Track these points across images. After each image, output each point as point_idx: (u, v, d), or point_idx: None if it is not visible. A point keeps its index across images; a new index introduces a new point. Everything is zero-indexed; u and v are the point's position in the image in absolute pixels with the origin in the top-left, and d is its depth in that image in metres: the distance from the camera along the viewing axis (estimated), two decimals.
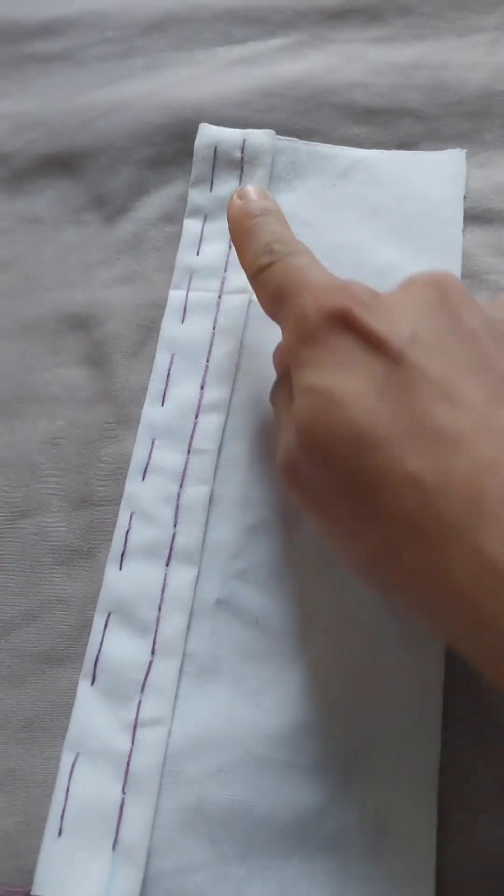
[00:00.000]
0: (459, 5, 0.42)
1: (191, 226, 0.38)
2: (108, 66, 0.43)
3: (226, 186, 0.38)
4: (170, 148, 0.40)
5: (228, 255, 0.36)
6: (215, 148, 0.38)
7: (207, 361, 0.34)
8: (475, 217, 0.37)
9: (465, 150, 0.39)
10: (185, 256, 0.37)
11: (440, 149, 0.39)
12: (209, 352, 0.34)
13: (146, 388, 0.34)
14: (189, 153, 0.39)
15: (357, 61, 0.41)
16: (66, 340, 0.36)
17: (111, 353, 0.35)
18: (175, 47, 0.43)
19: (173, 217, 0.38)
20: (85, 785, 0.27)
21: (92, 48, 0.44)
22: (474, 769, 0.27)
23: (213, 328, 0.35)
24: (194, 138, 0.39)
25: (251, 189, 0.31)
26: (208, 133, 0.39)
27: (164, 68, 0.43)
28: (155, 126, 0.40)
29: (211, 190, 0.38)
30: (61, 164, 0.40)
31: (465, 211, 0.37)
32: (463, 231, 0.37)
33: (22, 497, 0.32)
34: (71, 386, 0.35)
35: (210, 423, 0.33)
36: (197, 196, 0.38)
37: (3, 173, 0.40)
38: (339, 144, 0.39)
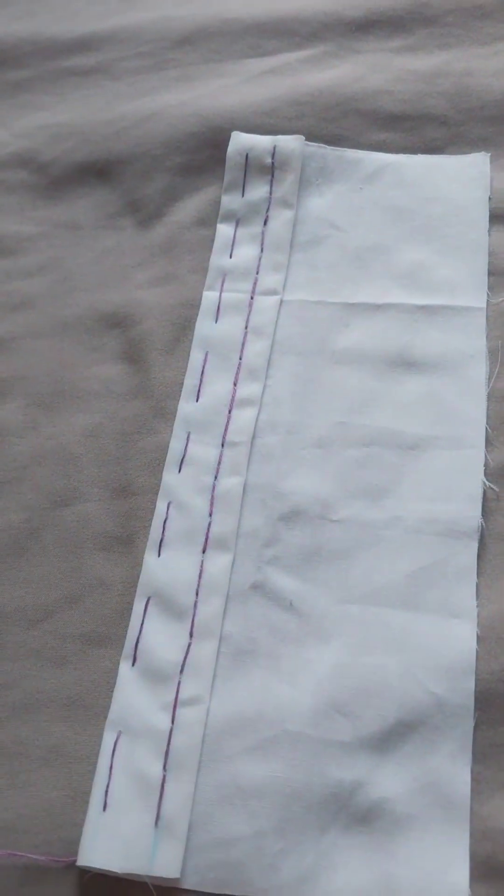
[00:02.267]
0: (481, 14, 0.43)
1: (224, 230, 0.39)
2: (142, 78, 0.45)
3: (257, 191, 0.39)
4: (201, 155, 0.41)
5: (260, 258, 0.38)
6: (247, 154, 0.40)
7: (240, 359, 0.35)
8: (501, 217, 0.38)
9: (489, 154, 0.40)
10: (218, 259, 0.38)
11: (465, 153, 0.40)
12: (241, 350, 0.36)
13: (181, 384, 0.35)
14: (220, 160, 0.41)
15: (382, 70, 0.43)
16: (104, 339, 0.37)
17: (147, 351, 0.36)
18: (206, 59, 0.45)
19: (206, 221, 0.40)
20: (127, 762, 0.28)
21: (126, 62, 0.46)
22: (503, 750, 0.28)
23: (246, 327, 0.36)
24: (225, 146, 0.41)
25: None
26: (240, 140, 0.40)
27: (195, 80, 0.44)
28: (187, 134, 0.42)
29: (243, 195, 0.39)
30: (97, 171, 0.42)
31: (490, 212, 0.38)
32: (489, 231, 0.38)
33: (63, 487, 0.33)
34: (108, 381, 0.36)
35: (243, 417, 0.34)
36: (229, 201, 0.39)
37: (42, 181, 0.42)
38: (365, 150, 0.41)
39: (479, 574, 0.30)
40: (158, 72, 0.45)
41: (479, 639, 0.29)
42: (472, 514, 0.31)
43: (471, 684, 0.28)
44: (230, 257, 0.38)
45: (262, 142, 0.40)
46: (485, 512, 0.31)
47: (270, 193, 0.39)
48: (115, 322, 0.38)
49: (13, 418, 0.35)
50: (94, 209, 0.41)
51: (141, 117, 0.43)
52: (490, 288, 0.36)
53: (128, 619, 0.30)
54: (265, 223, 0.39)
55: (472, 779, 0.27)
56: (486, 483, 0.32)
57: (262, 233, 0.38)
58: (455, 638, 0.29)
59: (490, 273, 0.37)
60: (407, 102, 0.42)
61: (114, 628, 0.31)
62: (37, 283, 0.39)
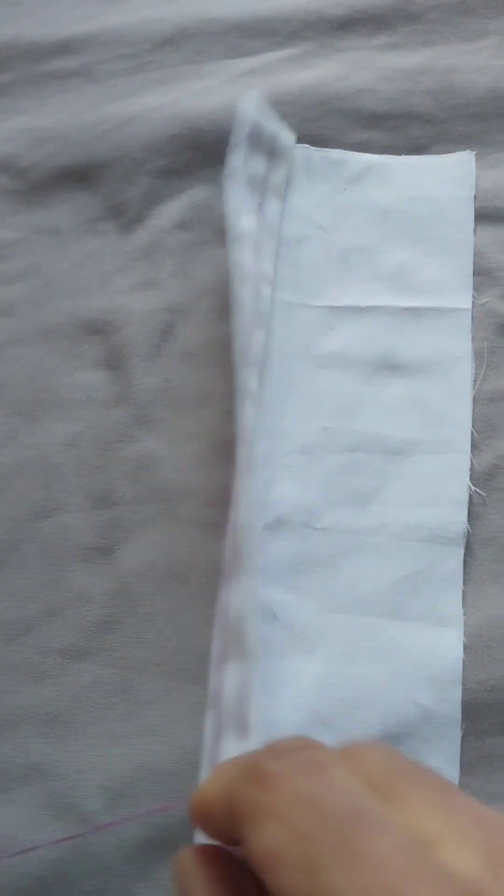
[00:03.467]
0: (465, 11, 0.43)
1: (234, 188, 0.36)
2: (122, 80, 0.44)
3: (256, 167, 0.37)
4: (182, 157, 0.41)
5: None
6: (252, 126, 0.37)
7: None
8: (486, 216, 0.38)
9: (474, 152, 0.39)
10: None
11: (450, 151, 0.40)
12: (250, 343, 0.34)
13: (162, 390, 0.35)
14: (201, 162, 0.40)
15: (365, 68, 0.42)
16: (85, 345, 0.37)
17: (128, 357, 0.36)
18: (187, 61, 0.44)
19: (187, 224, 0.39)
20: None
21: (106, 64, 0.45)
22: (494, 757, 0.27)
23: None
24: (206, 148, 0.40)
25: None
26: (251, 109, 0.37)
27: (176, 81, 0.44)
28: (168, 137, 0.41)
29: (245, 163, 0.37)
30: (78, 175, 0.41)
31: (476, 210, 0.38)
32: (474, 230, 0.37)
33: (43, 497, 0.33)
34: (89, 389, 0.35)
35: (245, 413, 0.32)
36: (236, 160, 0.36)
37: (22, 186, 0.41)
38: (349, 149, 0.40)
39: (465, 581, 0.30)
40: (139, 74, 0.44)
41: (466, 647, 0.29)
42: (457, 519, 0.31)
43: (458, 694, 0.28)
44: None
45: (269, 122, 0.38)
46: (471, 517, 0.31)
47: (266, 176, 0.38)
48: (95, 328, 0.37)
49: None
50: (75, 214, 0.41)
51: (122, 120, 0.42)
52: (475, 288, 0.36)
53: (108, 631, 0.30)
54: (260, 206, 0.37)
55: (462, 790, 0.27)
56: (472, 488, 0.31)
57: (260, 212, 0.37)
58: (442, 647, 0.29)
59: (476, 273, 0.36)
60: (390, 101, 0.41)
61: (94, 642, 0.30)
62: (17, 289, 0.38)
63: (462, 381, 0.34)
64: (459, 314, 0.35)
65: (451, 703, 0.28)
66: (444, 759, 0.27)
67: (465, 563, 0.30)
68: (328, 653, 0.29)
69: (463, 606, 0.29)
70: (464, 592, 0.30)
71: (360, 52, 0.43)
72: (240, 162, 0.36)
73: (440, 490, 0.31)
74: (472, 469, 0.32)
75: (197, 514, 0.32)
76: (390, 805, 0.17)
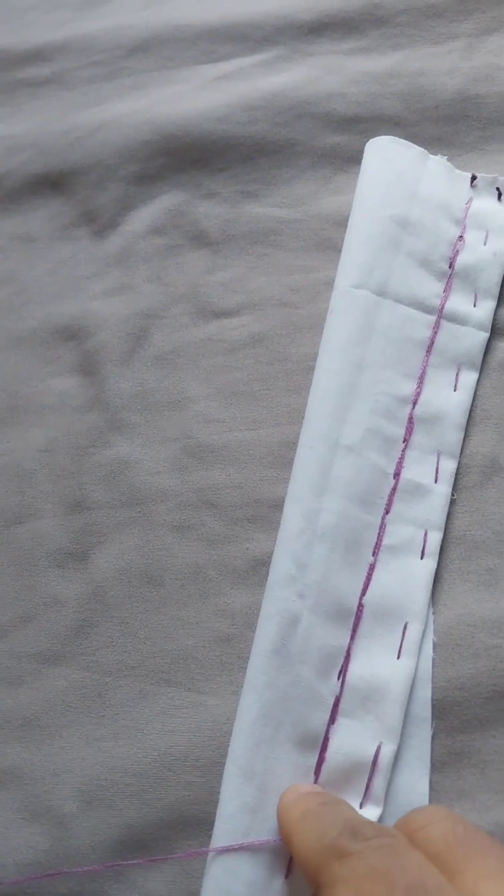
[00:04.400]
0: (433, 14, 0.43)
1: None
2: (96, 87, 0.44)
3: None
4: (155, 163, 0.41)
5: None
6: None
7: None
8: None
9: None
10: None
11: None
12: None
13: (136, 394, 0.35)
14: (174, 168, 0.41)
15: (335, 72, 0.42)
16: (59, 351, 0.37)
17: (102, 363, 0.36)
18: (160, 67, 0.45)
19: (160, 230, 0.39)
20: None
21: (79, 71, 0.45)
22: (464, 754, 0.27)
23: None
24: (178, 153, 0.41)
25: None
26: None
27: (149, 87, 0.44)
28: (140, 143, 0.41)
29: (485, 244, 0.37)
30: (51, 182, 0.42)
31: None
32: None
33: (17, 504, 0.33)
34: (63, 395, 0.36)
35: None
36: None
37: None
38: (320, 153, 0.40)
39: (435, 580, 0.30)
40: (112, 80, 0.44)
41: (436, 646, 0.29)
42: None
43: (428, 693, 0.28)
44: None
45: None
46: None
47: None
48: (69, 334, 0.37)
49: None
50: (49, 220, 0.41)
51: (95, 127, 0.42)
52: None
53: (83, 636, 0.30)
54: None
55: (431, 788, 0.27)
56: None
57: None
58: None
59: None
60: (360, 104, 0.41)
61: (68, 646, 0.30)
62: None
63: None
64: None
65: (421, 701, 0.28)
66: (415, 756, 0.27)
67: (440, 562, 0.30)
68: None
69: (434, 605, 0.30)
70: (435, 591, 0.30)
71: (330, 56, 0.43)
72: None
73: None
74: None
75: (171, 517, 0.32)
76: (451, 876, 0.20)
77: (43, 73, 0.46)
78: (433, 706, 0.28)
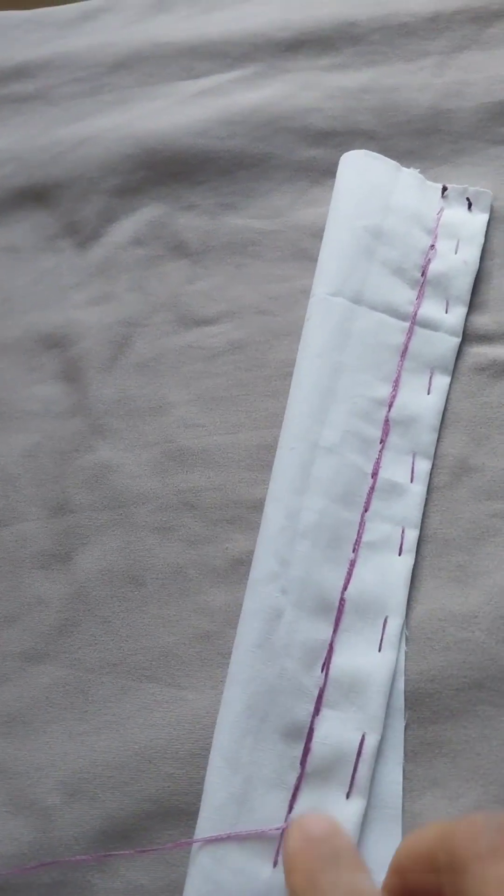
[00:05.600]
0: (406, 32, 0.45)
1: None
2: (78, 102, 0.46)
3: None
4: (136, 176, 0.42)
5: None
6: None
7: None
8: None
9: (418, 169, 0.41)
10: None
11: None
12: None
13: (118, 400, 0.36)
14: (155, 181, 0.42)
15: (312, 88, 0.44)
16: (42, 359, 0.38)
17: (85, 369, 0.37)
18: (141, 83, 0.46)
19: (142, 241, 0.41)
20: None
21: (62, 87, 0.46)
22: (436, 744, 0.28)
23: None
24: (159, 166, 0.42)
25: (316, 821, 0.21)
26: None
27: (130, 103, 0.45)
28: (122, 156, 0.43)
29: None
30: (35, 195, 0.43)
31: None
32: None
33: (2, 507, 0.34)
34: (47, 401, 0.37)
35: None
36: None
37: None
38: (297, 167, 0.42)
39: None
40: (94, 96, 0.46)
41: (409, 640, 0.30)
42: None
43: (400, 684, 0.29)
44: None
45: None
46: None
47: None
48: (53, 342, 0.38)
49: None
50: (33, 232, 0.42)
51: (77, 141, 0.44)
52: None
53: (66, 634, 0.31)
54: None
55: (405, 777, 0.28)
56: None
57: None
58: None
59: None
60: (336, 119, 0.43)
61: (52, 645, 0.31)
62: None
63: None
64: None
65: (393, 692, 0.29)
66: (388, 746, 0.28)
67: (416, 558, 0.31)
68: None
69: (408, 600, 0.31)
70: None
71: (306, 72, 0.44)
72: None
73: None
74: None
75: (152, 519, 0.33)
76: None
77: (27, 90, 0.47)
78: (406, 698, 0.29)
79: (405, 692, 0.29)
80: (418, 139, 0.42)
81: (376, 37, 0.45)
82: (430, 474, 0.33)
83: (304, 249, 0.39)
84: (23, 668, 0.31)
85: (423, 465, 0.33)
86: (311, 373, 0.34)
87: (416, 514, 0.32)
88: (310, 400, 0.33)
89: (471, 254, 0.38)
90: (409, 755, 0.28)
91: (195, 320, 0.38)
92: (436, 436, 0.34)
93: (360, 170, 0.39)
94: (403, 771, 0.28)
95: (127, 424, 0.36)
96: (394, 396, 0.34)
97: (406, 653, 0.30)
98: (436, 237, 0.38)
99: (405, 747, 0.28)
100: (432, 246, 0.38)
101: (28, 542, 0.33)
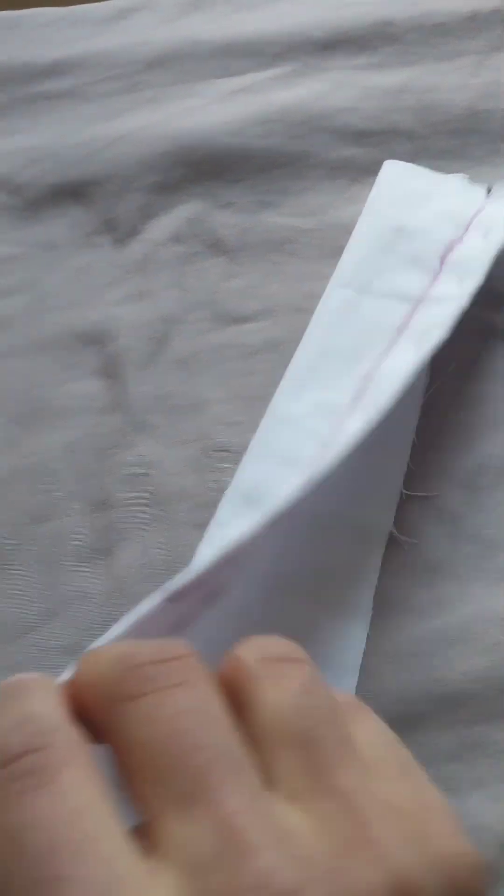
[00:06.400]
0: (443, 32, 0.45)
1: None
2: (113, 100, 0.46)
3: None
4: (174, 174, 0.42)
5: None
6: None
7: None
8: None
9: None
10: None
11: (431, 166, 0.41)
12: None
13: (157, 397, 0.36)
14: (192, 178, 0.42)
15: (348, 87, 0.44)
16: (80, 356, 0.38)
17: (124, 366, 0.37)
18: (176, 81, 0.46)
19: (180, 238, 0.41)
20: None
21: (98, 85, 0.46)
22: (479, 745, 0.28)
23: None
24: (197, 164, 0.42)
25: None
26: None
27: (166, 101, 0.45)
28: (159, 154, 0.43)
29: None
30: (72, 192, 0.43)
31: None
32: None
33: (43, 502, 0.34)
34: (86, 397, 0.37)
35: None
36: None
37: (16, 203, 0.43)
38: (333, 166, 0.42)
39: (452, 577, 0.31)
40: (130, 94, 0.46)
41: (453, 640, 0.30)
42: (384, 518, 0.32)
43: (354, 681, 0.29)
44: None
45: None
46: (455, 515, 0.32)
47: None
48: (91, 339, 0.38)
49: None
50: (70, 229, 0.42)
51: (113, 138, 0.44)
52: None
53: (107, 629, 0.31)
54: None
55: (450, 777, 0.28)
56: (404, 491, 0.33)
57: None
58: (347, 636, 0.30)
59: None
60: (373, 118, 0.43)
61: (94, 639, 0.31)
62: (13, 302, 0.40)
63: (415, 389, 0.34)
64: None
65: (346, 689, 0.29)
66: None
67: (452, 559, 0.31)
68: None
69: (448, 601, 0.30)
70: (450, 588, 0.31)
71: (343, 71, 0.44)
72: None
73: (373, 488, 0.32)
74: (407, 473, 0.33)
75: (191, 515, 0.33)
76: None
77: (62, 87, 0.47)
78: (450, 699, 0.29)
79: (449, 693, 0.29)
80: (456, 139, 0.42)
81: (413, 36, 0.45)
82: (473, 475, 0.33)
83: (341, 248, 0.39)
84: (65, 662, 0.31)
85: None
86: (296, 357, 0.34)
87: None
88: (287, 384, 0.34)
89: (497, 234, 0.36)
90: (452, 756, 0.28)
91: (232, 318, 0.38)
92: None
93: (400, 176, 0.39)
94: (447, 771, 0.28)
95: (166, 421, 0.36)
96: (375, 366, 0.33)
97: (451, 654, 0.30)
98: (467, 230, 0.37)
99: (448, 748, 0.28)
100: (461, 239, 0.37)
101: (69, 537, 0.33)
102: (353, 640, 0.30)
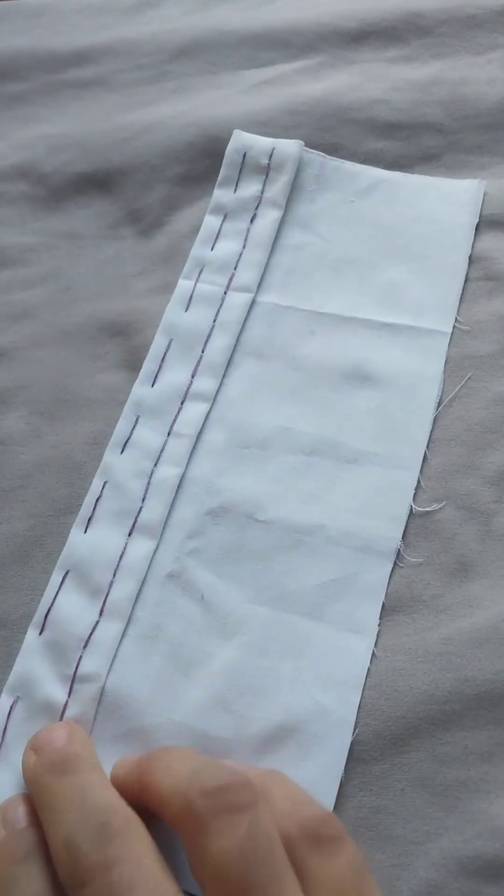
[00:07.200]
0: (474, 25, 0.44)
1: (210, 222, 0.40)
2: (140, 90, 0.45)
3: (249, 189, 0.40)
4: (200, 165, 0.42)
5: (240, 254, 0.38)
6: (245, 153, 0.40)
7: (202, 352, 0.36)
8: (496, 223, 0.39)
9: (485, 181, 0.40)
10: (199, 250, 0.39)
11: (461, 160, 0.41)
12: (205, 343, 0.36)
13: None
14: (219, 169, 0.41)
15: (378, 80, 0.43)
16: (105, 347, 0.38)
17: None
18: (203, 71, 0.45)
19: None
20: (22, 727, 0.28)
21: (124, 74, 0.46)
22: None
23: (214, 321, 0.37)
24: (223, 156, 0.41)
25: (57, 732, 0.27)
26: (240, 139, 0.41)
27: (192, 91, 0.45)
28: (185, 144, 0.42)
29: (235, 191, 0.40)
30: (97, 182, 0.42)
31: (486, 217, 0.39)
32: (483, 238, 0.38)
33: (67, 494, 0.34)
34: (111, 389, 0.36)
35: (194, 411, 0.35)
36: (221, 195, 0.40)
37: (42, 192, 0.42)
38: (363, 158, 0.41)
39: (480, 576, 0.31)
40: (156, 83, 0.45)
41: (484, 640, 0.29)
42: (392, 535, 0.32)
43: (357, 699, 0.29)
44: (211, 249, 0.39)
45: (261, 142, 0.40)
46: (484, 514, 0.32)
47: (262, 193, 0.40)
48: (116, 330, 0.38)
49: (16, 427, 0.35)
50: (95, 219, 0.41)
51: (139, 128, 0.43)
52: (487, 294, 0.37)
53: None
54: (252, 220, 0.39)
55: (480, 778, 0.27)
56: (413, 506, 0.32)
57: (247, 230, 0.39)
58: (351, 653, 0.30)
59: (486, 278, 0.37)
60: (403, 111, 0.42)
61: None
62: (38, 293, 0.39)
63: (427, 402, 0.34)
64: (437, 336, 0.36)
65: (348, 705, 0.28)
66: (332, 758, 0.28)
67: (481, 559, 0.31)
68: (244, 641, 0.30)
69: (478, 601, 0.30)
70: (478, 588, 0.30)
71: (372, 64, 0.44)
72: (226, 196, 0.40)
73: (382, 504, 0.32)
74: (417, 488, 0.33)
75: None
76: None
77: (87, 75, 0.46)
78: (483, 698, 0.28)
79: (482, 693, 0.29)
80: (486, 133, 0.41)
81: (444, 29, 0.44)
82: (498, 476, 0.32)
83: None
84: None
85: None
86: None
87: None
88: None
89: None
90: (485, 757, 0.28)
91: None
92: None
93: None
94: (479, 772, 0.28)
95: None
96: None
97: (481, 654, 0.29)
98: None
99: (480, 749, 0.28)
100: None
101: None
102: (357, 656, 0.29)
